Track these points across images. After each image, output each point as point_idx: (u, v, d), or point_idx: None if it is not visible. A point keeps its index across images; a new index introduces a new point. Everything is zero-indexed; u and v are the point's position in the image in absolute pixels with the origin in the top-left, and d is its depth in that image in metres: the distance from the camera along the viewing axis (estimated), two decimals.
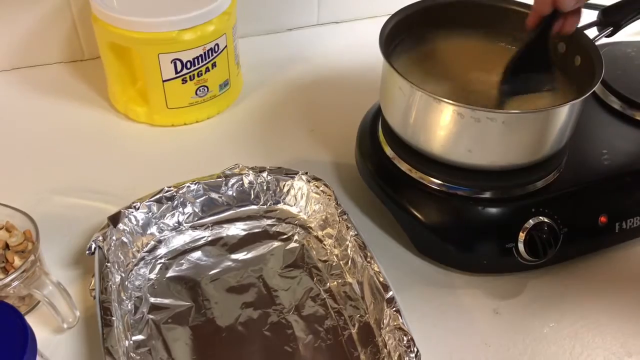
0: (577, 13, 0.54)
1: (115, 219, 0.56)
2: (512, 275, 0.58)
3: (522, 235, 0.55)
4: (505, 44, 0.63)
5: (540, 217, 0.55)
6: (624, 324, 0.55)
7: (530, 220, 0.55)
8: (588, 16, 0.61)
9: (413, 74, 0.59)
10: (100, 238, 0.54)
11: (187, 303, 0.54)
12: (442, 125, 0.54)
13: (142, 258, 0.57)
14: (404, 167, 0.59)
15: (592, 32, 0.61)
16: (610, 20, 0.60)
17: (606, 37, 0.59)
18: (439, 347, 0.52)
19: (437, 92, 0.53)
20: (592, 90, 0.52)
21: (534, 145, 0.54)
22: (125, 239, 0.56)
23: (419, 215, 0.58)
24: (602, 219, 0.58)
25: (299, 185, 0.62)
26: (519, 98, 0.59)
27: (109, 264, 0.53)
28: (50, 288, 0.50)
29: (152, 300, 0.54)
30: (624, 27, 0.59)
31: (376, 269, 0.53)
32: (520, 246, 0.55)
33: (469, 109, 0.51)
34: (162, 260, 0.57)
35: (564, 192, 0.57)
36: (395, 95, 0.57)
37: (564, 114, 0.53)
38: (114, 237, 0.55)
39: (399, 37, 0.62)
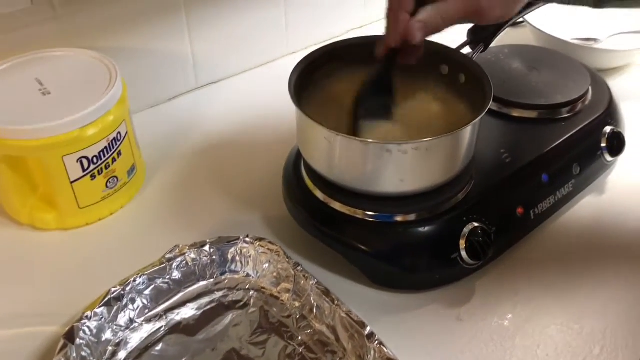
0: (420, 47, 0.57)
1: (70, 336, 0.53)
2: (461, 283, 0.63)
3: (462, 243, 0.60)
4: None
5: (473, 223, 0.61)
6: (562, 295, 0.62)
7: (465, 228, 0.61)
8: (461, 36, 0.68)
9: (324, 115, 0.62)
10: None
11: None
12: (372, 164, 0.57)
13: None
14: (337, 206, 0.62)
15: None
16: (479, 38, 0.67)
17: (480, 53, 0.67)
18: None
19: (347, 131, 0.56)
20: (489, 104, 0.58)
21: (453, 162, 0.60)
22: (84, 353, 0.53)
23: (365, 248, 0.61)
24: (519, 210, 0.65)
25: (244, 250, 0.62)
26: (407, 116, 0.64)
27: None
28: None
29: None
30: (493, 41, 0.67)
31: (346, 309, 0.56)
32: (463, 253, 0.60)
33: (395, 144, 0.55)
34: None
35: (483, 196, 0.63)
36: (320, 145, 0.59)
37: (470, 130, 0.59)
38: (74, 355, 0.52)
39: (304, 85, 0.64)
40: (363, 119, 0.61)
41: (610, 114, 0.75)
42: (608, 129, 0.73)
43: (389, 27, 0.56)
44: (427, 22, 0.53)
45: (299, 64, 0.64)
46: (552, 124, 0.72)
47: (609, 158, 0.73)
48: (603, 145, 0.72)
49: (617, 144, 0.73)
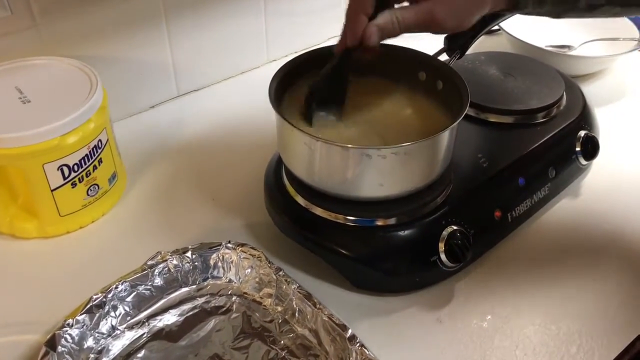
0: (376, 47, 0.58)
1: (52, 344, 0.53)
2: (440, 285, 0.64)
3: (441, 246, 0.61)
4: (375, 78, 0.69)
5: (452, 226, 0.62)
6: (540, 296, 0.63)
7: (444, 232, 0.62)
8: (438, 43, 0.69)
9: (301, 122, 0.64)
10: None
11: None
12: (351, 169, 0.58)
13: None
14: (319, 212, 0.63)
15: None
16: (456, 45, 0.68)
17: (456, 60, 0.68)
18: None
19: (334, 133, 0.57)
20: (466, 110, 0.59)
21: (432, 166, 0.61)
22: None
23: (346, 253, 0.62)
24: (497, 213, 0.66)
25: (226, 255, 0.63)
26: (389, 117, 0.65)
27: None
28: None
29: None
30: (469, 47, 0.69)
31: (328, 312, 0.56)
32: (443, 256, 0.61)
33: (374, 149, 0.56)
34: None
35: (462, 200, 0.65)
36: (300, 150, 0.60)
37: (448, 134, 0.60)
38: None
39: (284, 91, 0.65)
40: (316, 109, 0.62)
41: (584, 118, 0.76)
42: (582, 133, 0.75)
43: (347, 28, 0.57)
44: (383, 28, 0.55)
45: (279, 70, 0.64)
46: (528, 129, 0.74)
47: (583, 162, 0.75)
48: (578, 149, 0.74)
49: (591, 148, 0.74)
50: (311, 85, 0.63)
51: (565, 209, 0.73)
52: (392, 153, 0.56)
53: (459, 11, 0.55)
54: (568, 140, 0.74)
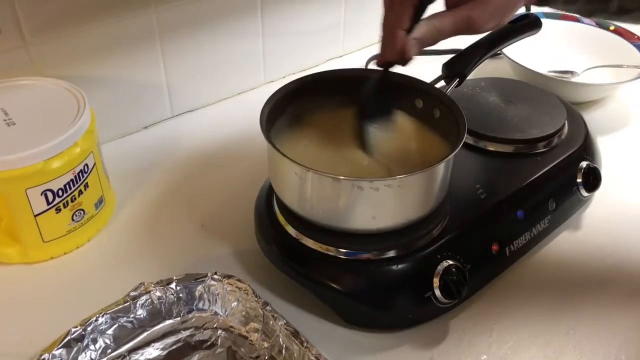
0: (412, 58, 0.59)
1: None
2: (435, 322, 0.61)
3: (436, 282, 0.59)
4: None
5: (448, 261, 0.60)
6: (538, 334, 0.61)
7: (439, 266, 0.60)
8: (436, 70, 0.67)
9: (298, 146, 0.62)
10: None
11: None
12: (343, 201, 0.56)
13: None
14: (310, 243, 0.61)
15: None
16: (454, 72, 0.67)
17: (455, 87, 0.66)
18: None
19: (327, 163, 0.55)
20: (463, 140, 0.57)
21: (427, 199, 0.59)
22: None
23: (337, 287, 0.60)
24: (494, 247, 0.64)
25: (212, 287, 0.60)
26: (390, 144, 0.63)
27: None
28: None
29: None
30: (468, 75, 0.67)
31: (316, 351, 0.54)
32: (437, 292, 0.59)
33: (367, 181, 0.54)
34: None
35: (458, 233, 0.62)
36: (290, 180, 0.58)
37: (444, 166, 0.58)
38: None
39: (276, 118, 0.63)
40: (367, 124, 0.63)
41: (586, 148, 0.74)
42: (584, 164, 0.72)
43: (385, 43, 0.57)
44: (423, 39, 0.56)
45: (271, 96, 0.63)
46: (528, 159, 0.72)
47: (585, 193, 0.72)
48: (579, 180, 0.72)
49: (593, 180, 0.72)
50: (359, 103, 0.63)
51: (566, 242, 0.71)
52: (385, 185, 0.54)
53: (497, 11, 0.55)
54: (569, 171, 0.72)
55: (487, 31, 0.58)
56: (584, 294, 0.65)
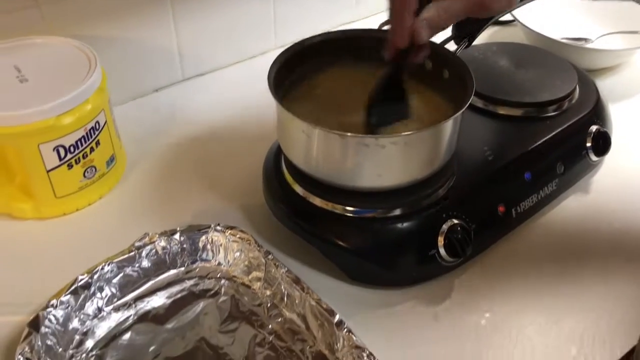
0: (427, 45, 0.57)
1: (35, 324, 0.52)
2: (439, 280, 0.62)
3: (440, 240, 0.60)
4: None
5: (453, 220, 0.60)
6: (543, 295, 0.61)
7: (444, 225, 0.60)
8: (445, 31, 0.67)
9: (306, 107, 0.62)
10: (27, 349, 0.50)
11: None
12: (350, 158, 0.57)
13: (72, 356, 0.54)
14: (316, 201, 0.61)
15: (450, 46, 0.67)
16: (464, 32, 0.66)
17: (464, 48, 0.66)
18: None
19: (333, 125, 0.55)
20: (470, 99, 0.57)
21: (433, 158, 0.59)
22: (49, 342, 0.53)
23: (342, 244, 0.60)
24: (501, 208, 0.64)
25: (215, 238, 0.62)
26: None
27: None
28: None
29: None
30: (478, 36, 0.66)
31: (316, 297, 0.55)
32: (442, 250, 0.59)
33: (373, 138, 0.55)
34: (94, 352, 0.54)
35: (464, 193, 0.63)
36: (297, 138, 0.59)
37: (451, 125, 0.58)
38: (39, 343, 0.51)
39: (285, 78, 0.64)
40: (377, 125, 0.59)
41: (596, 113, 0.74)
42: (594, 128, 0.72)
43: (394, 29, 0.55)
44: (432, 21, 0.53)
45: (280, 55, 0.63)
46: (538, 122, 0.71)
47: (594, 158, 0.72)
48: (588, 144, 0.72)
49: (602, 144, 0.72)
50: (367, 102, 0.60)
51: (573, 206, 0.71)
52: (391, 143, 0.55)
53: None
54: (579, 135, 0.72)
55: (498, 13, 0.55)
56: (589, 258, 0.65)
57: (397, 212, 0.60)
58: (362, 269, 0.61)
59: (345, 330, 0.53)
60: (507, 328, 0.58)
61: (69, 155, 0.65)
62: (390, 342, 0.57)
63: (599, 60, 0.91)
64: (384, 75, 0.59)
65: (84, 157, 0.66)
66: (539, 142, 0.68)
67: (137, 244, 0.59)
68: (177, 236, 0.61)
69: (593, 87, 0.77)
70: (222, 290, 0.60)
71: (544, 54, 0.81)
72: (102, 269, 0.57)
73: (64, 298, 0.55)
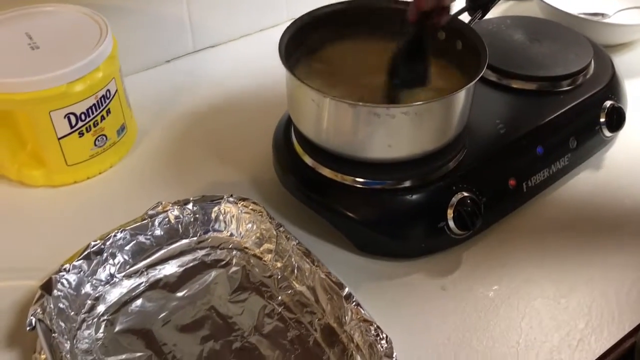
0: (448, 7, 0.57)
1: (48, 287, 0.53)
2: (448, 252, 0.62)
3: (450, 213, 0.59)
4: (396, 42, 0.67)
5: (462, 193, 0.60)
6: (552, 269, 0.61)
7: (454, 198, 0.60)
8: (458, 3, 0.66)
9: (316, 81, 0.61)
10: (39, 310, 0.51)
11: (145, 353, 0.52)
12: (360, 128, 0.56)
13: (83, 320, 0.55)
14: (326, 172, 0.61)
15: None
16: (478, 4, 0.65)
17: (478, 20, 0.65)
18: (404, 333, 0.55)
19: (345, 96, 0.55)
20: (483, 71, 0.57)
21: (444, 129, 0.59)
22: (62, 305, 0.53)
23: (352, 215, 0.60)
24: (511, 182, 0.64)
25: (227, 209, 0.62)
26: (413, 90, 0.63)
27: (55, 335, 0.50)
28: None
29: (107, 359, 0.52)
30: (492, 7, 0.65)
31: (326, 270, 0.55)
32: (451, 223, 0.59)
33: (383, 107, 0.54)
34: (105, 317, 0.55)
35: (475, 167, 0.62)
36: (308, 108, 0.58)
37: (463, 96, 0.58)
38: (51, 306, 0.52)
39: (296, 49, 0.63)
40: (399, 87, 0.60)
41: (611, 88, 0.73)
42: (608, 103, 0.71)
43: None
44: None
45: (291, 25, 0.62)
46: (551, 97, 0.70)
47: (607, 133, 0.71)
48: (602, 120, 0.71)
49: (616, 119, 0.71)
50: (389, 65, 0.60)
51: (585, 181, 0.70)
52: (402, 113, 0.54)
53: None
54: (593, 110, 0.71)
55: None
56: (599, 233, 0.65)
57: (407, 183, 0.60)
58: (370, 240, 0.61)
59: (354, 303, 0.53)
60: (514, 301, 0.58)
61: (80, 123, 0.65)
62: (397, 313, 0.57)
63: (616, 35, 0.90)
64: (407, 38, 0.59)
65: (94, 126, 0.66)
66: (552, 117, 0.68)
67: (150, 212, 0.60)
68: (190, 206, 0.61)
69: (609, 62, 0.76)
70: (234, 261, 0.60)
71: (558, 28, 0.80)
72: (115, 236, 0.58)
73: (76, 263, 0.55)
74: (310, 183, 0.63)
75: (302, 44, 0.65)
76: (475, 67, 0.58)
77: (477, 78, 0.56)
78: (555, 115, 0.68)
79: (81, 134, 0.66)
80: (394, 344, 0.50)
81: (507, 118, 0.67)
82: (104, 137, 0.68)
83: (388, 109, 0.54)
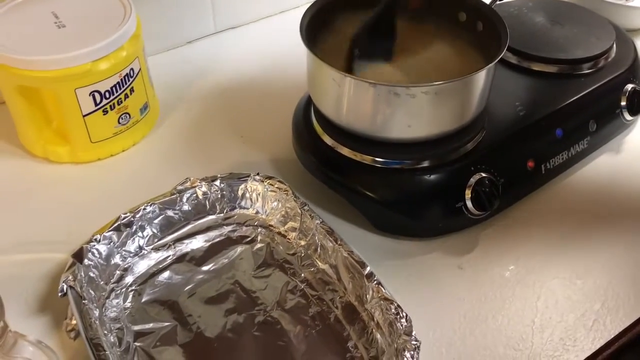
0: None
1: (79, 256, 0.55)
2: (465, 232, 0.62)
3: (468, 193, 0.60)
4: (414, 23, 0.67)
5: (481, 174, 0.60)
6: (568, 251, 0.61)
7: (472, 178, 0.60)
8: None
9: (336, 60, 0.62)
10: (71, 277, 0.53)
11: (171, 322, 0.54)
12: (380, 108, 0.57)
13: (112, 289, 0.56)
14: (345, 152, 0.62)
15: None
16: None
17: (500, 1, 0.65)
18: (420, 310, 0.55)
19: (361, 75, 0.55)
20: (504, 51, 0.57)
21: (463, 110, 0.59)
22: (92, 274, 0.55)
23: (371, 194, 0.61)
24: (530, 163, 0.64)
25: (254, 187, 0.63)
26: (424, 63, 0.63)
27: (85, 302, 0.51)
28: (31, 349, 0.47)
29: (134, 328, 0.53)
30: None
31: (348, 249, 0.56)
32: (469, 203, 0.60)
33: (403, 87, 0.55)
34: (133, 287, 0.57)
35: (494, 147, 0.63)
36: (328, 87, 0.59)
37: (483, 76, 0.58)
38: (82, 274, 0.54)
39: (316, 28, 0.64)
40: (359, 60, 0.60)
41: (633, 72, 0.72)
42: (630, 87, 0.71)
43: None
44: None
45: (313, 4, 0.63)
46: (572, 80, 0.70)
47: (628, 117, 0.71)
48: (623, 103, 0.71)
49: (637, 103, 0.71)
50: (353, 37, 0.60)
51: (604, 165, 0.70)
52: (422, 92, 0.55)
53: None
54: (613, 94, 0.71)
55: None
56: (617, 216, 0.65)
57: (426, 163, 0.60)
58: (389, 219, 0.62)
59: (375, 282, 0.53)
60: (530, 281, 0.58)
61: (104, 101, 0.66)
62: (414, 291, 0.58)
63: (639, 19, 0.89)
64: (374, 13, 0.59)
65: (118, 104, 0.68)
66: (572, 99, 0.68)
67: (179, 187, 0.61)
68: (217, 183, 0.62)
69: (631, 45, 0.76)
70: (259, 238, 0.61)
71: (580, 11, 0.79)
72: (145, 209, 0.59)
73: (107, 233, 0.57)
74: (329, 162, 0.63)
75: (323, 24, 0.65)
76: (496, 49, 0.58)
77: (498, 58, 0.56)
78: (575, 98, 0.68)
79: (105, 112, 0.67)
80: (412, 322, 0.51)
81: (527, 100, 0.67)
82: (127, 115, 0.69)
83: (408, 88, 0.54)
